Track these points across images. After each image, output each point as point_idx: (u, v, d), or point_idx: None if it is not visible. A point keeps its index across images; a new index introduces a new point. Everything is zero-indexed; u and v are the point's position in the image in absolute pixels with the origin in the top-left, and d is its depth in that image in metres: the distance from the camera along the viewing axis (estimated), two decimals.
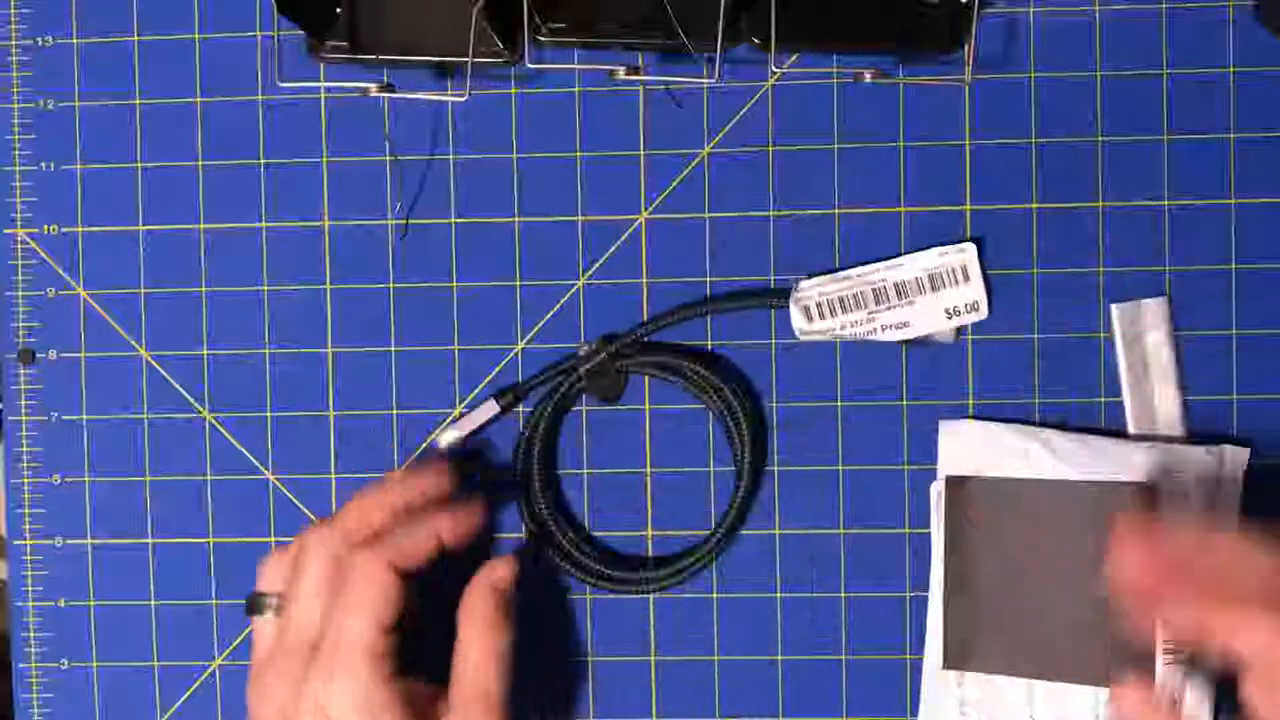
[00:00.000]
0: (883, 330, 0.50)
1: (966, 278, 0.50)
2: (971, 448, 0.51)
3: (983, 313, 0.50)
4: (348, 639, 0.45)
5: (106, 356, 0.54)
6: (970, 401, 0.51)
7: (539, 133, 0.52)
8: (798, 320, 0.51)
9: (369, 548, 0.46)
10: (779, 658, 0.52)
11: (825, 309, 0.50)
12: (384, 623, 0.45)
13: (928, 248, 0.51)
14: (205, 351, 0.53)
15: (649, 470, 0.52)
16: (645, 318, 0.52)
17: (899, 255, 0.51)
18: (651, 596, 0.52)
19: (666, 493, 0.52)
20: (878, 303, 0.50)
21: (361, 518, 0.47)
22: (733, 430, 0.51)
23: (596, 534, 0.53)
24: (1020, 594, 0.50)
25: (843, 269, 0.51)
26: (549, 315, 0.53)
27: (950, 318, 0.50)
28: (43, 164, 0.54)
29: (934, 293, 0.50)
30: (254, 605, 0.48)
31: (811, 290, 0.50)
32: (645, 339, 0.52)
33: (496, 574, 0.48)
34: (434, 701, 0.46)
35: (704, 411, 0.52)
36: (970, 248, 0.50)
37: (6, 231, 0.54)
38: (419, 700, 0.45)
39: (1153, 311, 0.51)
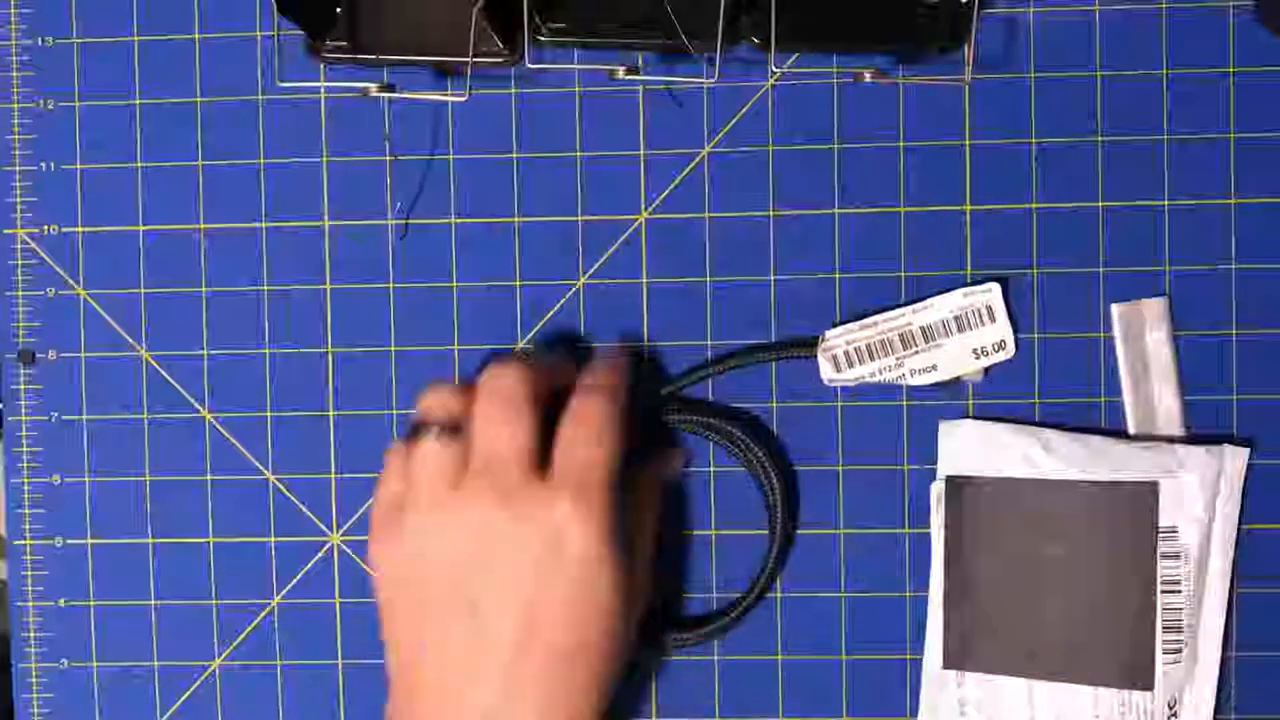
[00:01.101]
0: (911, 374, 0.50)
1: (992, 318, 0.50)
2: (971, 448, 0.51)
3: (1010, 351, 0.50)
4: (597, 469, 0.44)
5: (106, 356, 0.54)
6: (970, 401, 0.51)
7: (539, 133, 0.52)
8: (826, 370, 0.51)
9: (604, 391, 0.46)
10: (779, 658, 0.52)
11: (853, 357, 0.50)
12: (618, 458, 0.45)
13: (950, 289, 0.51)
14: (205, 351, 0.53)
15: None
16: (645, 318, 0.52)
17: (898, 257, 0.51)
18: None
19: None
20: (905, 347, 0.50)
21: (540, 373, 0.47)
22: (768, 492, 0.51)
23: None
24: (1020, 594, 0.50)
25: (869, 314, 0.51)
26: (549, 315, 0.53)
27: (978, 358, 0.50)
28: (43, 164, 0.54)
29: (960, 334, 0.50)
30: (420, 430, 0.46)
31: (839, 340, 0.50)
32: (677, 392, 0.51)
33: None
34: None
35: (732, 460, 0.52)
36: (995, 287, 0.50)
37: (6, 231, 0.54)
38: None
39: (1153, 311, 0.51)
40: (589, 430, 0.45)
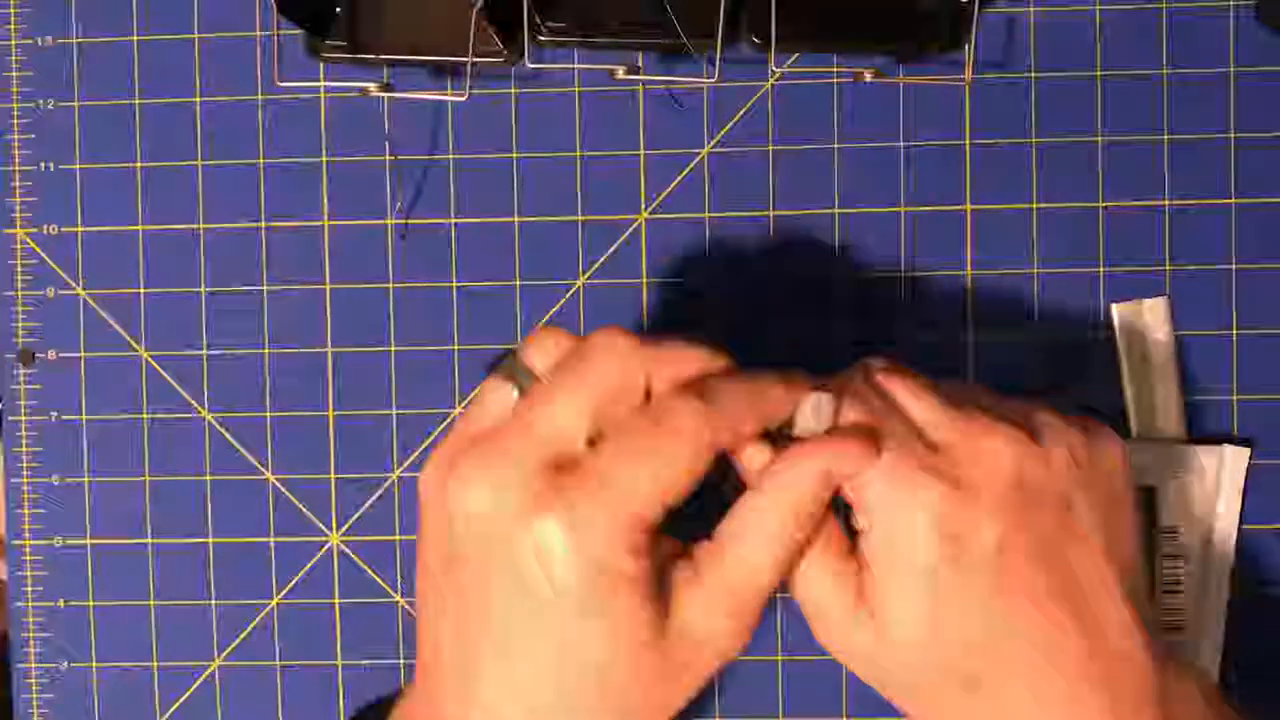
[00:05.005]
0: None
1: None
2: None
3: None
4: (626, 491, 0.35)
5: (106, 356, 0.54)
6: None
7: (539, 133, 0.53)
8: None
9: (697, 399, 0.36)
10: (779, 658, 0.52)
11: None
12: (675, 498, 0.36)
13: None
14: (205, 351, 0.53)
15: None
16: (645, 318, 0.52)
17: (899, 257, 0.51)
18: None
19: None
20: None
21: (680, 361, 0.38)
22: None
23: None
24: None
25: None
26: (549, 315, 0.53)
27: None
28: (43, 164, 0.54)
29: None
30: (507, 370, 0.39)
31: None
32: None
33: (845, 459, 0.38)
34: (672, 560, 0.38)
35: None
36: None
37: (6, 231, 0.54)
38: (658, 570, 0.37)
39: (1153, 311, 0.51)
40: (656, 441, 0.37)
